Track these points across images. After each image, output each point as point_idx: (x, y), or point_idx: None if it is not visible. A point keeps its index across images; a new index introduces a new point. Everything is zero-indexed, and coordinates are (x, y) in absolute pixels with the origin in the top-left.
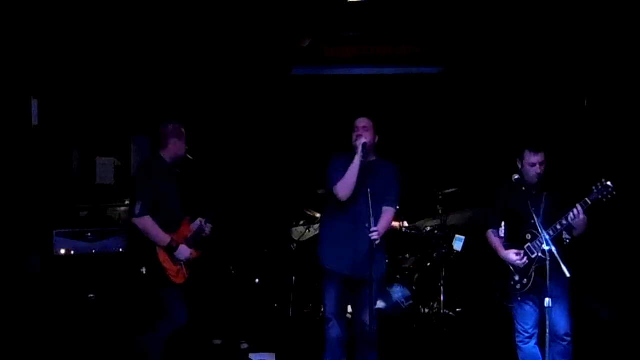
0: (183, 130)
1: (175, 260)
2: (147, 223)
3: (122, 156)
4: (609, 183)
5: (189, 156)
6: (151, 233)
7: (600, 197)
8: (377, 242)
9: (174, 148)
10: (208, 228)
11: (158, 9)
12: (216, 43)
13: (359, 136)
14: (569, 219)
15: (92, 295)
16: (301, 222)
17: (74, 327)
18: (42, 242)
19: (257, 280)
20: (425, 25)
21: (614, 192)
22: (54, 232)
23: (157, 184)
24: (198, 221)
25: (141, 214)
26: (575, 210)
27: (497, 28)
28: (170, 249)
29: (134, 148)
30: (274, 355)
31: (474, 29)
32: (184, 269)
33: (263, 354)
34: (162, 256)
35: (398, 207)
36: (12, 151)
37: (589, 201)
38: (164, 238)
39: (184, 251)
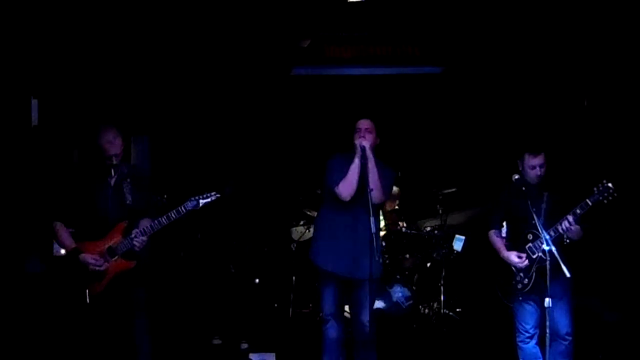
0: (111, 131)
1: (81, 269)
2: (53, 229)
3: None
4: (609, 184)
5: (112, 172)
6: (56, 239)
7: (600, 198)
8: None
9: (102, 149)
10: (138, 241)
11: (158, 9)
12: (216, 43)
13: (360, 138)
14: (560, 230)
15: None
16: (301, 222)
17: (74, 327)
18: (42, 242)
19: (257, 280)
20: (425, 25)
21: (615, 194)
22: None
23: (74, 190)
24: (133, 232)
25: (49, 220)
26: (566, 222)
27: (497, 28)
28: (72, 256)
29: (134, 148)
30: (273, 355)
31: (473, 29)
32: (93, 281)
33: (263, 354)
34: (69, 263)
35: (397, 207)
36: (12, 151)
37: (589, 202)
38: (66, 244)
39: (86, 260)
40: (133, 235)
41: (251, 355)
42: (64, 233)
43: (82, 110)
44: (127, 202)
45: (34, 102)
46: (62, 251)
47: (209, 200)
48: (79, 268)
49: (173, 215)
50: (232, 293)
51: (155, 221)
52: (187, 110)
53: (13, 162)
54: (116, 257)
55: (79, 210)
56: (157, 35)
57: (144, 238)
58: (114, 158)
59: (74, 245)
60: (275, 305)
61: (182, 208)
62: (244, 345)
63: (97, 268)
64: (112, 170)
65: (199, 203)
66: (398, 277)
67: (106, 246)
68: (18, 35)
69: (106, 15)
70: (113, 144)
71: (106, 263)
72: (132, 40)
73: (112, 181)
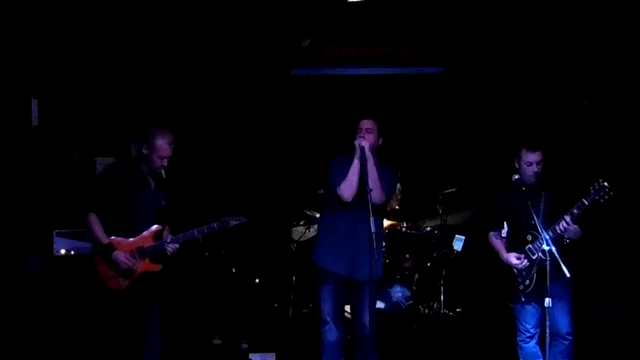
0: (170, 133)
1: (111, 265)
2: (87, 219)
3: (121, 156)
4: (605, 183)
5: (163, 174)
6: (89, 230)
7: (597, 197)
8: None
9: (159, 150)
10: (171, 247)
11: (158, 10)
12: (216, 43)
13: (360, 138)
14: (558, 230)
15: None
16: (301, 222)
17: (73, 327)
18: (42, 242)
19: (257, 280)
20: (426, 25)
21: (611, 193)
22: (54, 232)
23: (117, 185)
24: (167, 237)
25: (85, 210)
26: (563, 222)
27: (498, 28)
28: (105, 251)
29: (134, 148)
30: (274, 355)
31: (474, 29)
32: (120, 278)
33: (263, 354)
34: (97, 257)
35: (398, 207)
36: (12, 151)
37: (586, 202)
38: (101, 238)
39: (119, 258)
40: (169, 241)
41: (251, 355)
42: (98, 225)
43: (82, 110)
44: (162, 206)
45: (34, 102)
46: (62, 251)
47: (237, 222)
48: (109, 263)
49: (205, 230)
50: (232, 293)
51: (188, 233)
52: (187, 111)
53: (13, 162)
54: (145, 259)
55: (117, 205)
56: (158, 35)
57: (177, 245)
58: (166, 160)
59: (107, 241)
60: (275, 305)
61: (216, 225)
62: (244, 345)
63: (129, 267)
64: (163, 172)
65: (229, 223)
66: (398, 277)
67: (137, 246)
68: (18, 35)
69: (106, 15)
70: (170, 147)
71: (136, 263)
72: (133, 40)
73: (153, 184)
